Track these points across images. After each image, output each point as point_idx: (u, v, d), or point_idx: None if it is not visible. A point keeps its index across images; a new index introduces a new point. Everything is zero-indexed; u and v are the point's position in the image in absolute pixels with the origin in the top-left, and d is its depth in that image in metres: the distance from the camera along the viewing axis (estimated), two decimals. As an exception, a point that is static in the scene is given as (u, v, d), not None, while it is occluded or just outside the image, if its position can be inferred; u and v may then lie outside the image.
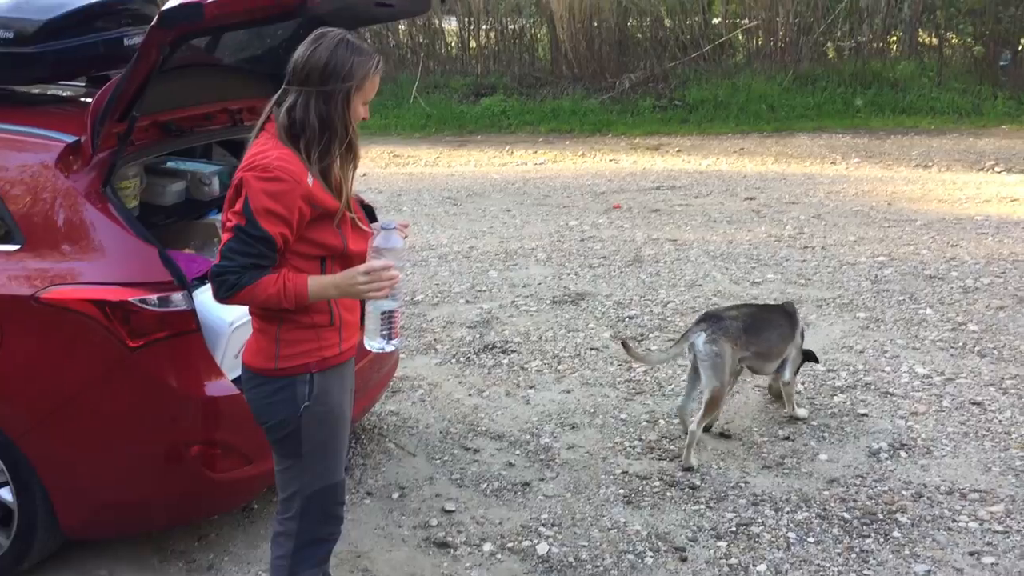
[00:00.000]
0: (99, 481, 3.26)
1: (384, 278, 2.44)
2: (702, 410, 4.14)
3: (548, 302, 6.26)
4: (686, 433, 4.18)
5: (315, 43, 2.45)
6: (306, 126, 2.43)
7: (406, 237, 2.70)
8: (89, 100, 3.25)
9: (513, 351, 5.45)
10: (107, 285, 3.09)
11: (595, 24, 14.87)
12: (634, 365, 5.18)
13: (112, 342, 3.06)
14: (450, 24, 16.45)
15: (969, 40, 14.23)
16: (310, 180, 2.44)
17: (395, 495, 4.00)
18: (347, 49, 2.44)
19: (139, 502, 3.32)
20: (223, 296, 2.42)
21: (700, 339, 4.18)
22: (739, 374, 4.40)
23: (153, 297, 3.09)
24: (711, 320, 4.25)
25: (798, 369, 4.59)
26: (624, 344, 4.47)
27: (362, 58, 2.45)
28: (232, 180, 2.47)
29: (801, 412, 4.56)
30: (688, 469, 4.09)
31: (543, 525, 3.75)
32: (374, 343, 2.57)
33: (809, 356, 4.66)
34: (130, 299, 3.06)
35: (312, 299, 2.47)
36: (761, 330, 4.33)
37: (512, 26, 15.97)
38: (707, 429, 4.33)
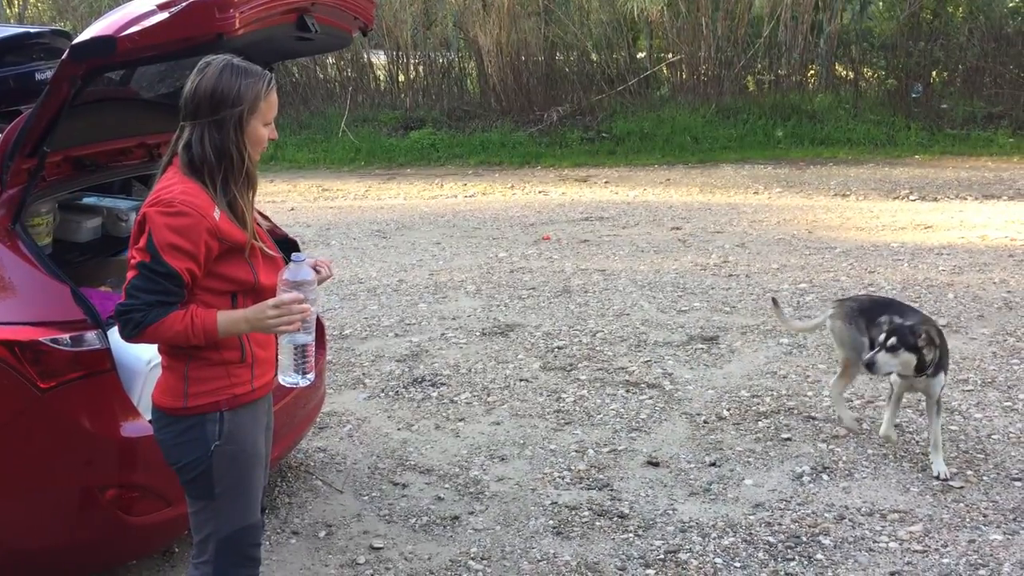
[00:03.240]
0: (9, 528, 3.14)
1: (295, 311, 2.41)
2: (837, 374, 4.77)
3: (478, 334, 6.26)
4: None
5: (200, 73, 2.42)
6: (204, 159, 2.41)
7: (322, 275, 2.67)
8: (-2, 135, 3.17)
9: (442, 384, 5.43)
10: (17, 325, 3.00)
11: (523, 58, 15.05)
12: (563, 395, 5.20)
13: (22, 384, 2.97)
14: (378, 58, 16.48)
15: (882, 73, 14.78)
16: (217, 214, 2.41)
17: (322, 534, 3.92)
18: (232, 73, 2.41)
19: (52, 549, 3.20)
20: (129, 335, 2.36)
21: (827, 315, 4.83)
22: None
23: (65, 336, 3.00)
24: (837, 302, 4.93)
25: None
26: (774, 300, 5.26)
27: (250, 80, 2.42)
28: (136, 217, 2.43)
29: (939, 468, 4.19)
30: (847, 432, 4.66)
31: (472, 559, 3.72)
32: (288, 378, 2.54)
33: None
34: (41, 339, 2.97)
35: (222, 334, 2.42)
36: (875, 317, 4.48)
37: (440, 60, 16.07)
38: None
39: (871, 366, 4.15)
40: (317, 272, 2.67)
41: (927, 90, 14.18)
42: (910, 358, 4.12)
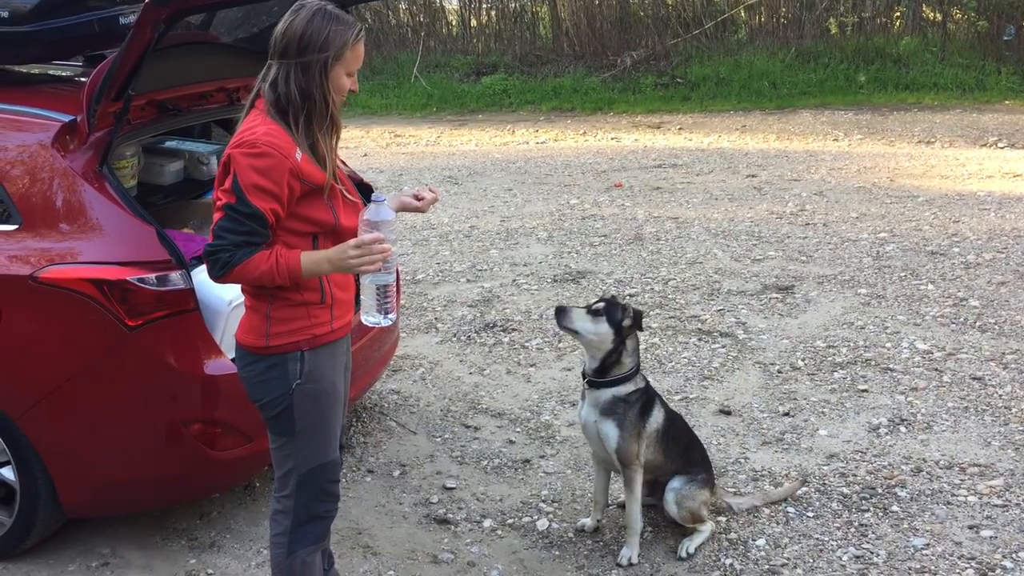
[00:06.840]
0: (100, 460, 3.28)
1: (376, 251, 2.42)
2: None
3: (549, 280, 6.26)
4: None
5: (293, 15, 2.44)
6: (288, 99, 2.43)
7: (429, 198, 2.84)
8: (85, 79, 3.24)
9: (514, 329, 5.46)
10: (105, 264, 3.10)
11: (596, 2, 14.79)
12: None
13: (110, 321, 3.07)
14: (451, 3, 16.36)
15: (973, 15, 14.11)
16: (298, 155, 2.43)
17: (396, 473, 4.01)
18: (324, 19, 2.42)
19: (140, 481, 3.34)
20: (217, 275, 2.42)
21: None
22: None
23: (151, 276, 3.09)
24: None
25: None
26: None
27: (340, 27, 2.43)
28: (221, 158, 2.47)
29: (626, 553, 3.41)
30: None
31: (543, 501, 3.76)
32: (370, 317, 2.57)
33: None
34: (128, 278, 3.06)
35: (305, 275, 2.46)
36: None
37: (513, 4, 15.88)
38: None
39: (560, 312, 3.34)
40: (423, 198, 2.84)
41: (1020, 32, 13.52)
42: (607, 333, 3.29)
